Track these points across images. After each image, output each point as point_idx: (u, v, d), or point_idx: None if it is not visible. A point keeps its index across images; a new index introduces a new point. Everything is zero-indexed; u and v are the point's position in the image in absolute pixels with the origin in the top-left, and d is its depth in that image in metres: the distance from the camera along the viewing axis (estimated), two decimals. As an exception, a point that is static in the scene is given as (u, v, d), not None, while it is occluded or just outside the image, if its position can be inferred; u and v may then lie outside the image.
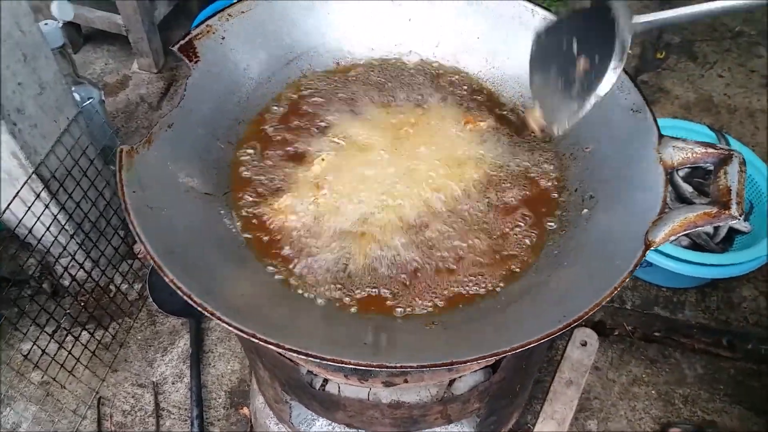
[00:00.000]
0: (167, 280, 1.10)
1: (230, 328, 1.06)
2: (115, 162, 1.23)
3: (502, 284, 1.30)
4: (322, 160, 1.48)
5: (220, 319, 1.06)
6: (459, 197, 1.43)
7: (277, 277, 1.30)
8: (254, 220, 1.39)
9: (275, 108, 1.59)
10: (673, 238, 1.17)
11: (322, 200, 1.41)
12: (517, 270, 1.33)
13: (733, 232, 2.56)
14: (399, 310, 1.26)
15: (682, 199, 2.57)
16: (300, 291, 1.28)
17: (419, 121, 1.57)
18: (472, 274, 1.31)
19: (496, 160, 1.50)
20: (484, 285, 1.30)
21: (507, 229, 1.39)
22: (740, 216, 1.18)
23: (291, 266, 1.32)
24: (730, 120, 3.35)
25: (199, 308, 1.07)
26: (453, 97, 1.62)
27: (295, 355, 1.05)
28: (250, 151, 1.50)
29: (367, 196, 1.41)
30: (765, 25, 3.80)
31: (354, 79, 1.65)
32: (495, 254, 1.35)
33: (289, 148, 1.51)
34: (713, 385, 2.44)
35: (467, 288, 1.29)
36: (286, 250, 1.34)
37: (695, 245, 2.53)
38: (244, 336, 1.06)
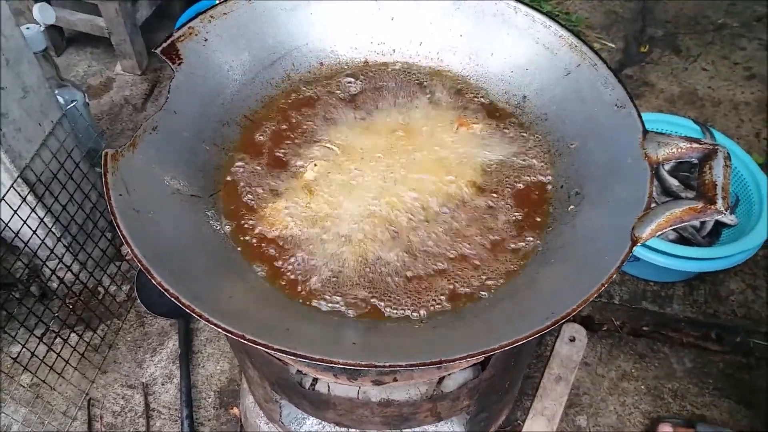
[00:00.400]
0: (155, 283, 1.10)
1: (219, 330, 1.06)
2: (101, 166, 1.23)
3: (491, 283, 1.31)
4: (315, 165, 1.48)
5: (208, 320, 1.06)
6: (450, 199, 1.43)
7: (265, 279, 1.31)
8: (244, 223, 1.39)
9: (263, 111, 1.59)
10: (659, 233, 1.18)
11: (315, 205, 1.42)
12: (507, 269, 1.33)
13: (719, 225, 2.57)
14: (389, 310, 1.26)
15: (669, 193, 2.57)
16: (289, 293, 1.29)
17: (410, 124, 1.57)
18: (462, 274, 1.32)
19: (485, 160, 1.51)
20: (474, 284, 1.30)
21: (496, 229, 1.39)
22: (726, 210, 1.18)
23: (280, 269, 1.32)
24: (715, 113, 3.36)
25: (187, 310, 1.07)
26: (441, 97, 1.62)
27: (284, 355, 1.06)
28: (239, 154, 1.50)
29: (360, 201, 1.42)
30: (747, 17, 3.82)
31: (340, 81, 1.65)
32: (486, 254, 1.35)
33: (279, 152, 1.52)
34: (702, 378, 2.45)
35: (457, 288, 1.30)
36: (277, 253, 1.35)
37: (682, 239, 2.54)
38: (233, 337, 1.06)
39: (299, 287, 1.29)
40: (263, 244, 1.36)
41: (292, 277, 1.31)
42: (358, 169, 1.48)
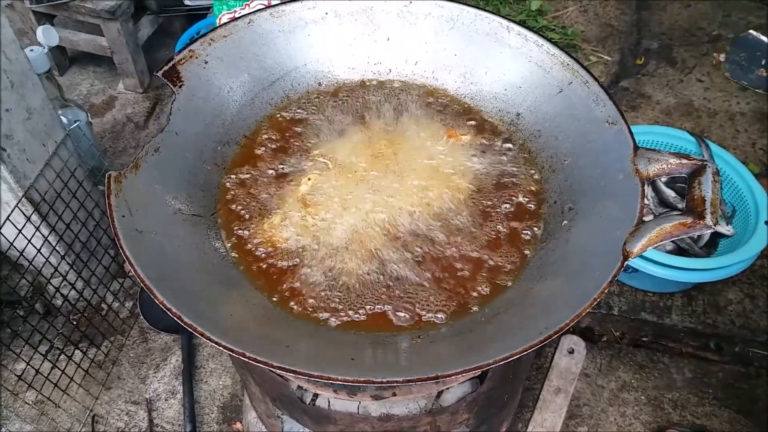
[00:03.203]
0: (158, 302, 1.11)
1: (220, 348, 1.08)
2: (104, 188, 1.25)
3: (486, 297, 1.33)
4: (309, 179, 1.50)
5: (210, 339, 1.08)
6: (443, 211, 1.45)
7: (265, 295, 1.32)
8: (243, 240, 1.41)
9: (261, 130, 1.61)
10: (650, 248, 1.20)
11: (311, 218, 1.43)
12: (502, 283, 1.35)
13: (716, 235, 2.59)
14: (385, 325, 1.28)
15: (666, 204, 2.59)
16: (288, 309, 1.30)
17: (402, 138, 1.59)
18: (457, 289, 1.33)
19: (479, 174, 1.53)
20: (469, 299, 1.32)
21: (491, 242, 1.41)
22: (715, 225, 1.20)
23: (279, 284, 1.34)
24: (710, 124, 3.38)
25: (189, 329, 1.09)
26: (434, 114, 1.65)
27: (284, 372, 1.08)
28: (238, 172, 1.52)
29: (354, 213, 1.44)
30: (742, 28, 3.83)
31: (336, 100, 1.68)
32: (480, 267, 1.37)
33: (275, 169, 1.53)
34: (702, 388, 2.46)
35: (453, 302, 1.31)
36: (275, 269, 1.36)
37: (680, 250, 2.56)
38: (234, 355, 1.08)
39: (297, 303, 1.31)
40: (262, 261, 1.37)
41: (290, 292, 1.33)
42: (350, 181, 1.50)
